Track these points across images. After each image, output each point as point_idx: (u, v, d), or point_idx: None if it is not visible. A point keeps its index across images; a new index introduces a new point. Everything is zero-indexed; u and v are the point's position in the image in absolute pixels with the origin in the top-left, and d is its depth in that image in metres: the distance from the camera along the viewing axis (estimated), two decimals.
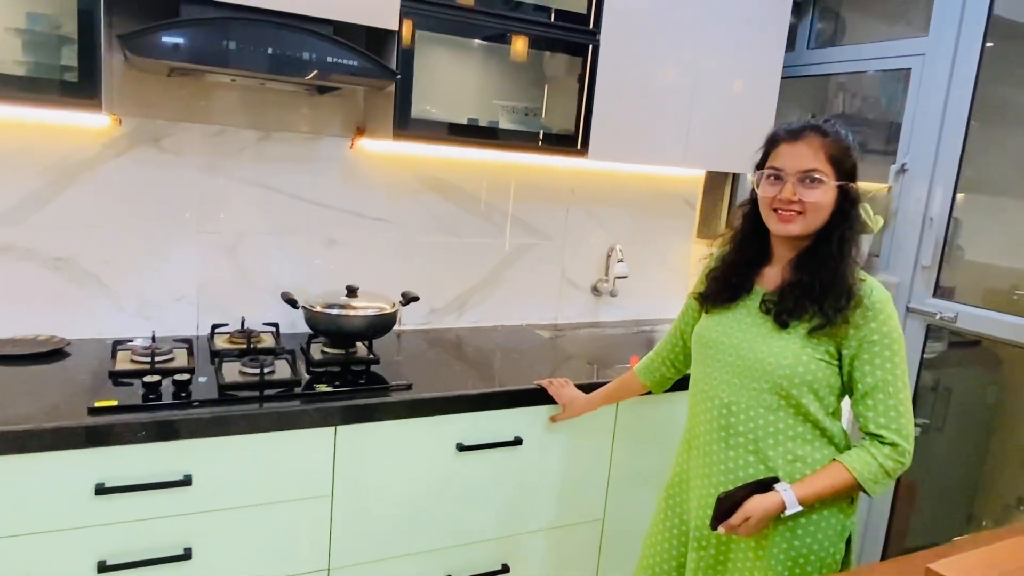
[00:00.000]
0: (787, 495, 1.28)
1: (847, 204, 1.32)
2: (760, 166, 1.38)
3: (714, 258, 1.52)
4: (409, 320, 2.30)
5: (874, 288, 1.31)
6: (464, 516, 1.80)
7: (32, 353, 1.72)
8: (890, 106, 2.42)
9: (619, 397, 1.81)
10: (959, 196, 2.15)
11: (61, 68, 1.58)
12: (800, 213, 1.31)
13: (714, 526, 1.34)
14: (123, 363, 1.68)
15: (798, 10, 2.59)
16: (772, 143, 1.37)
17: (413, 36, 1.81)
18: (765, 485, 1.32)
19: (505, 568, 1.88)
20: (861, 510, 2.24)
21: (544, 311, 2.55)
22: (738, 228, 1.46)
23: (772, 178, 1.34)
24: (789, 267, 1.36)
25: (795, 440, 1.33)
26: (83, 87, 1.51)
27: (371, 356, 1.87)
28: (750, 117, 2.35)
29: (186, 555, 1.49)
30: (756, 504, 1.30)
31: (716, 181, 2.72)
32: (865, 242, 2.23)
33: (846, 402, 1.37)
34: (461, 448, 1.75)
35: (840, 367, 1.32)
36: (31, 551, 1.37)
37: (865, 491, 1.29)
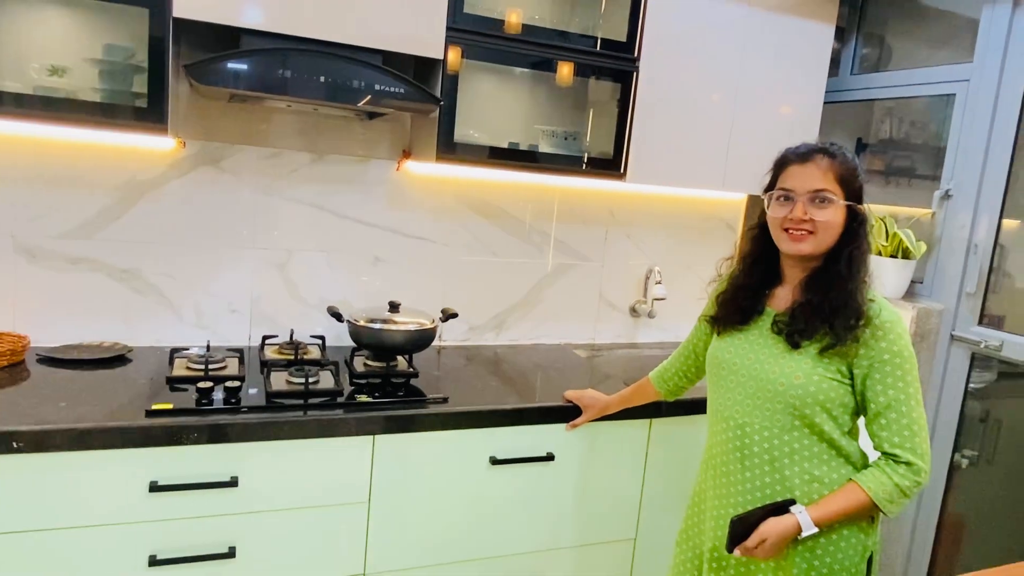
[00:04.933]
0: (802, 517, 1.29)
1: (855, 224, 1.34)
2: (770, 188, 1.41)
3: (723, 281, 1.55)
4: (449, 336, 2.37)
5: (883, 308, 1.32)
6: (496, 529, 1.84)
7: (97, 359, 1.85)
8: (939, 131, 2.40)
9: (635, 402, 1.83)
10: (1006, 223, 2.11)
11: (133, 95, 1.72)
12: (811, 232, 1.33)
13: (730, 548, 1.35)
14: (179, 370, 1.79)
15: (842, 36, 2.60)
16: (781, 165, 1.40)
17: (458, 64, 1.89)
18: (781, 508, 1.33)
19: None
20: (901, 542, 2.20)
21: (582, 331, 2.58)
22: (748, 251, 1.49)
23: (782, 199, 1.37)
24: (800, 288, 1.38)
25: (812, 460, 1.34)
26: (152, 112, 1.64)
27: (411, 370, 1.94)
28: (792, 142, 2.33)
29: (230, 553, 1.57)
30: (771, 526, 1.31)
31: (757, 206, 2.72)
32: (906, 268, 2.21)
33: (863, 421, 1.37)
34: (494, 462, 1.79)
35: (853, 386, 1.33)
36: (89, 543, 1.47)
37: (881, 510, 1.29)
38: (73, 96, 1.64)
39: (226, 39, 1.71)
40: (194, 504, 1.53)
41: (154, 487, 1.48)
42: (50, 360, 1.81)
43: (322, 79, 1.65)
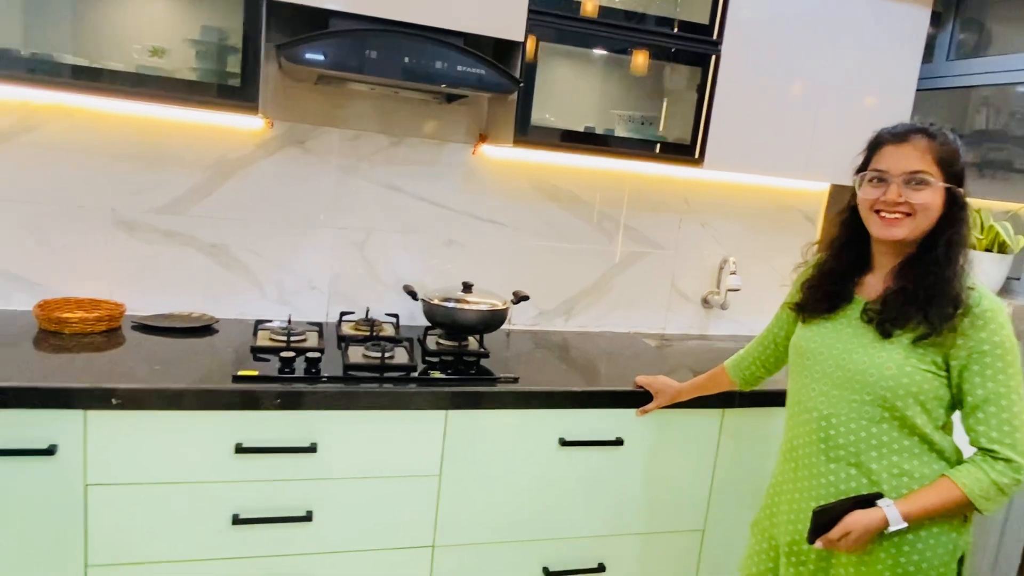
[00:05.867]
0: (890, 511, 1.24)
1: (955, 208, 1.28)
2: (862, 169, 1.36)
3: (808, 267, 1.50)
4: (518, 320, 2.38)
5: (984, 296, 1.25)
6: (563, 510, 1.85)
7: (186, 327, 1.94)
8: None
9: (708, 390, 1.80)
10: None
11: (226, 74, 1.79)
12: (908, 215, 1.27)
13: (811, 540, 1.31)
14: (263, 340, 1.86)
15: (938, 20, 2.48)
16: (875, 146, 1.34)
17: (537, 47, 1.90)
18: (867, 500, 1.28)
19: (601, 567, 1.91)
20: (987, 549, 2.09)
21: (651, 320, 2.55)
22: (836, 236, 1.43)
23: (875, 180, 1.31)
24: (892, 275, 1.33)
25: (900, 454, 1.28)
26: (244, 92, 1.70)
27: (482, 350, 1.96)
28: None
29: (308, 517, 1.62)
30: (857, 519, 1.26)
31: (840, 197, 2.63)
32: (1002, 262, 2.09)
33: (958, 415, 1.31)
34: (563, 443, 1.80)
35: (948, 379, 1.27)
36: (179, 498, 1.55)
37: (977, 508, 1.23)
38: (172, 75, 1.72)
39: (314, 22, 1.76)
40: (275, 467, 1.59)
41: (239, 449, 1.54)
42: (144, 327, 1.91)
43: (406, 60, 1.68)
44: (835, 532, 1.27)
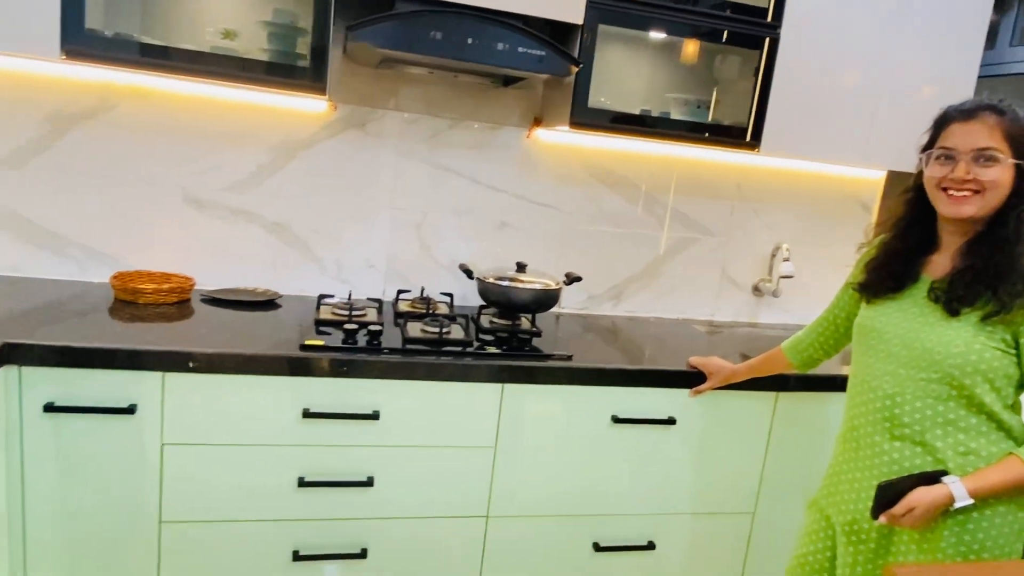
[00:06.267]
0: (956, 487, 1.24)
1: None
2: (928, 147, 1.35)
3: (872, 246, 1.49)
4: (567, 304, 2.41)
5: None
6: (614, 487, 1.87)
7: (252, 301, 2.01)
8: None
9: (763, 371, 1.80)
10: None
11: (296, 56, 1.85)
12: (977, 192, 1.27)
13: (875, 515, 1.31)
14: (325, 314, 1.92)
15: (1001, 5, 2.43)
16: (942, 123, 1.33)
17: (594, 29, 1.92)
18: (931, 477, 1.28)
19: (651, 545, 1.93)
20: None
21: (701, 307, 2.56)
22: (900, 215, 1.42)
23: (943, 158, 1.30)
24: (959, 253, 1.32)
25: (967, 432, 1.28)
26: (314, 74, 1.77)
27: (534, 329, 1.99)
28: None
29: (368, 482, 1.68)
30: (921, 495, 1.26)
31: (897, 185, 2.59)
32: None
33: None
34: (616, 420, 1.82)
35: (1018, 356, 1.25)
36: (248, 460, 1.62)
37: None
38: (244, 56, 1.79)
39: (380, 6, 1.81)
40: (340, 433, 1.64)
41: (306, 414, 1.60)
42: (212, 300, 1.99)
43: (469, 41, 1.73)
44: (899, 507, 1.27)
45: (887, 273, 1.42)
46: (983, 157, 1.26)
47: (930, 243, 1.39)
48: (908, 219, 1.42)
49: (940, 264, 1.36)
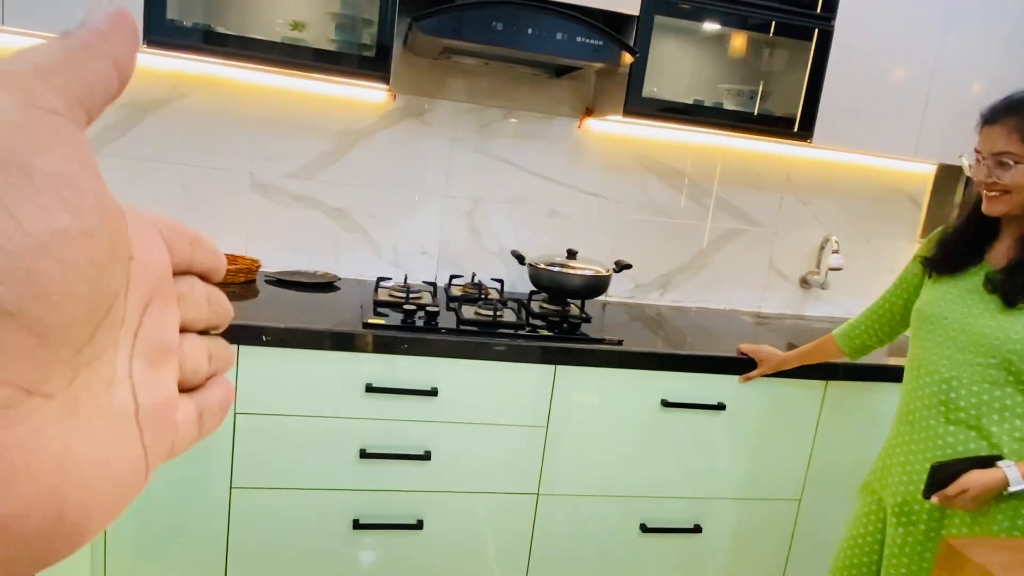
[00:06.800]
0: (1011, 471, 1.25)
1: None
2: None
3: (947, 227, 1.52)
4: (614, 292, 2.45)
5: None
6: (662, 470, 1.91)
7: (313, 283, 2.10)
8: None
9: (814, 359, 1.82)
10: None
11: (362, 46, 1.93)
12: (1006, 193, 1.31)
13: (927, 495, 1.33)
14: (383, 296, 2.00)
15: None
16: (980, 124, 1.38)
17: (650, 20, 1.96)
18: (986, 461, 1.29)
19: (697, 528, 1.96)
20: None
21: (748, 298, 2.57)
22: (969, 203, 1.46)
23: (977, 160, 1.36)
24: (1016, 245, 1.35)
25: (1023, 418, 1.29)
26: (377, 63, 1.84)
27: (584, 315, 2.04)
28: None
29: (426, 456, 1.75)
30: (976, 477, 1.28)
31: (947, 180, 2.58)
32: None
33: None
34: (665, 404, 1.86)
35: None
36: (314, 431, 1.70)
37: None
38: (312, 46, 1.87)
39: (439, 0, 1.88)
40: (400, 408, 1.72)
41: (369, 388, 1.68)
42: (276, 281, 2.08)
43: (529, 31, 1.78)
44: (952, 488, 1.29)
45: (951, 251, 1.45)
46: (999, 161, 1.30)
47: (995, 231, 1.42)
48: (974, 206, 1.44)
49: (1002, 253, 1.39)
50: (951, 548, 0.98)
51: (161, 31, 1.73)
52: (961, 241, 1.43)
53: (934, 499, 1.32)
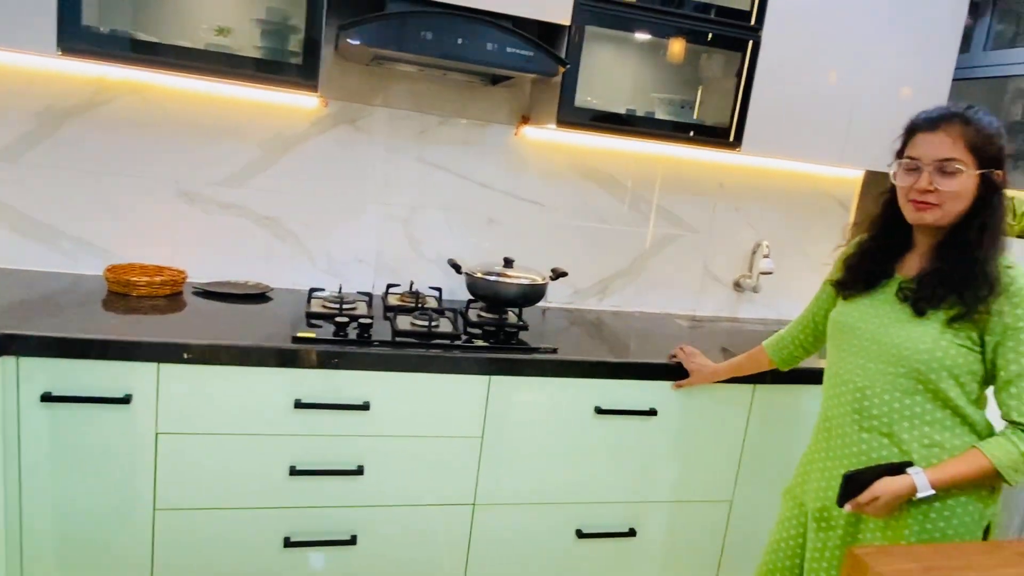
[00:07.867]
0: (919, 478, 1.29)
1: (990, 192, 1.30)
2: (899, 155, 1.39)
3: (851, 245, 1.55)
4: (554, 298, 2.46)
5: (1020, 274, 1.29)
6: (596, 476, 1.93)
7: (243, 294, 2.05)
8: None
9: (745, 370, 1.85)
10: None
11: (288, 53, 1.89)
12: (936, 204, 1.31)
13: (841, 503, 1.36)
14: (316, 307, 1.96)
15: (975, 10, 2.50)
16: (910, 132, 1.37)
17: (581, 30, 1.97)
18: (896, 468, 1.34)
19: (632, 532, 1.99)
20: (1017, 510, 2.14)
21: (684, 302, 2.62)
22: (877, 216, 1.48)
23: (909, 168, 1.35)
24: (928, 255, 1.38)
25: (932, 425, 1.34)
26: (306, 71, 1.80)
27: (521, 323, 2.04)
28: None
29: (359, 471, 1.73)
30: (886, 485, 1.31)
31: (874, 185, 2.67)
32: None
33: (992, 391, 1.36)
34: (599, 411, 1.88)
35: (983, 354, 1.31)
36: (241, 449, 1.66)
37: (1004, 479, 1.28)
38: (237, 53, 1.82)
39: (371, 5, 1.85)
40: (331, 423, 1.69)
41: (298, 404, 1.65)
42: (204, 292, 2.02)
43: (459, 40, 1.77)
44: (864, 496, 1.33)
45: (861, 271, 1.48)
46: (945, 168, 1.30)
47: (905, 242, 1.45)
48: (883, 219, 1.47)
49: (912, 263, 1.42)
50: (856, 557, 1.01)
51: (76, 38, 1.66)
52: (871, 260, 1.46)
53: (847, 507, 1.36)
